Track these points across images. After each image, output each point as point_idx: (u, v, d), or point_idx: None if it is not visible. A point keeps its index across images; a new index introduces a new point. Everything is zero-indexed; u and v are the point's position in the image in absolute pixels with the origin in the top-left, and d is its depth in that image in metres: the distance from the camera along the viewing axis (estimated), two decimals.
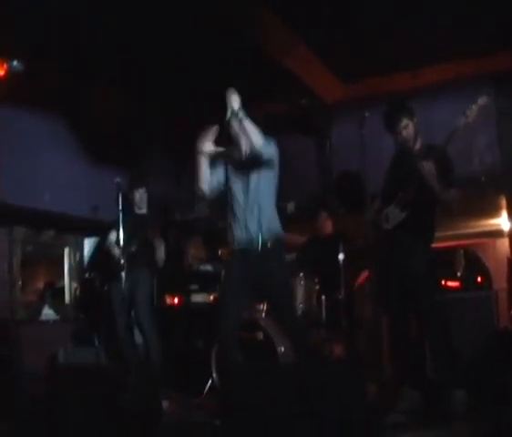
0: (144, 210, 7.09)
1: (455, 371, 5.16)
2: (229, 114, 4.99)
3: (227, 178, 5.21)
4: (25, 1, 5.93)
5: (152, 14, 6.39)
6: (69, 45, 6.74)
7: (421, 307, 5.29)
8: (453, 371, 5.16)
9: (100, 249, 7.69)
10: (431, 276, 5.31)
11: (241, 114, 4.95)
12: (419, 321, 5.51)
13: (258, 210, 5.06)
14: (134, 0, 6.19)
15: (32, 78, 5.59)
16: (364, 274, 7.78)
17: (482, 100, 5.15)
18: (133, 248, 6.70)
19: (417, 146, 5.42)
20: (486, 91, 5.39)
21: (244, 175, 5.13)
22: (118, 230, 6.46)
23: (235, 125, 5.03)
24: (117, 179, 6.53)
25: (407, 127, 5.37)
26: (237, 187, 5.15)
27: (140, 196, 7.07)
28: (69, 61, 7.03)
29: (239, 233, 5.10)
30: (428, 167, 5.12)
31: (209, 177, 5.11)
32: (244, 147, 5.08)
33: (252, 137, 4.93)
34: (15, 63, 4.35)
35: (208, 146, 5.06)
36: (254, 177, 5.10)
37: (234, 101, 5.00)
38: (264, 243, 5.01)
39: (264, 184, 5.11)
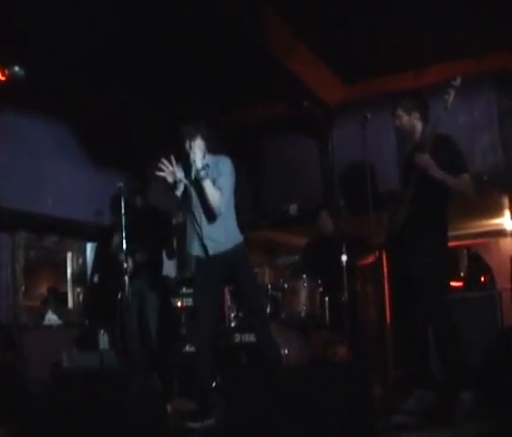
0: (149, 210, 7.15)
1: (463, 373, 5.13)
2: (193, 172, 5.24)
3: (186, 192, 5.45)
4: (27, 5, 5.93)
5: (154, 18, 6.40)
6: (72, 49, 6.73)
7: (425, 308, 5.26)
8: (461, 373, 5.13)
9: (104, 254, 7.69)
10: (435, 276, 5.26)
11: (203, 173, 5.19)
12: (425, 323, 5.48)
13: (216, 225, 5.35)
14: (135, 2, 6.18)
15: (35, 83, 5.58)
16: (369, 258, 7.72)
17: (457, 82, 5.13)
18: (142, 257, 6.75)
19: (417, 137, 5.40)
20: (488, 91, 5.39)
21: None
22: (122, 235, 6.47)
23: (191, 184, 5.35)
24: (120, 184, 6.54)
25: (400, 118, 5.39)
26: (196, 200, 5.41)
27: (142, 200, 7.11)
28: (73, 66, 7.02)
29: (200, 243, 5.40)
30: (423, 158, 5.09)
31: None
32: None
33: (212, 202, 5.23)
34: (16, 68, 4.34)
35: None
36: None
37: (198, 159, 5.22)
38: (226, 250, 5.36)
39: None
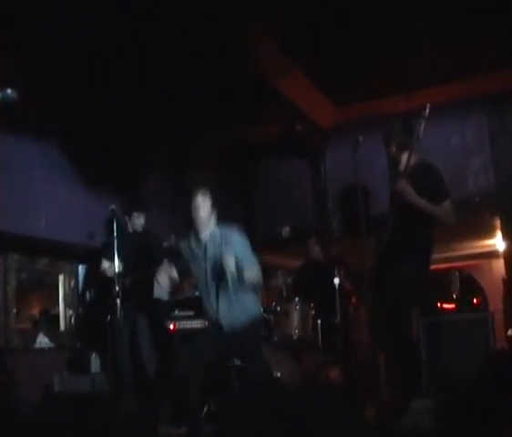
0: (140, 233, 7.14)
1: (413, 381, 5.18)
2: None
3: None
4: (18, 22, 5.95)
5: (149, 36, 6.41)
6: (65, 69, 6.74)
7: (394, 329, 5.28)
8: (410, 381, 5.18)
9: (95, 277, 7.66)
10: (407, 298, 5.29)
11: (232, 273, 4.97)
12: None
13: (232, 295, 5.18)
14: (131, 23, 6.20)
15: (27, 104, 5.57)
16: (356, 298, 7.78)
17: (426, 112, 5.20)
18: (135, 278, 6.74)
19: (402, 166, 5.43)
20: (479, 112, 5.42)
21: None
22: (112, 257, 6.45)
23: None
24: (112, 206, 6.53)
25: (390, 148, 5.45)
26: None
27: (137, 221, 7.12)
28: (66, 87, 7.03)
29: (212, 312, 5.26)
30: (400, 186, 5.13)
31: None
32: None
33: (255, 283, 5.19)
34: (8, 91, 4.33)
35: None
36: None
37: (231, 267, 4.93)
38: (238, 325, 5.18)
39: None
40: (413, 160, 5.27)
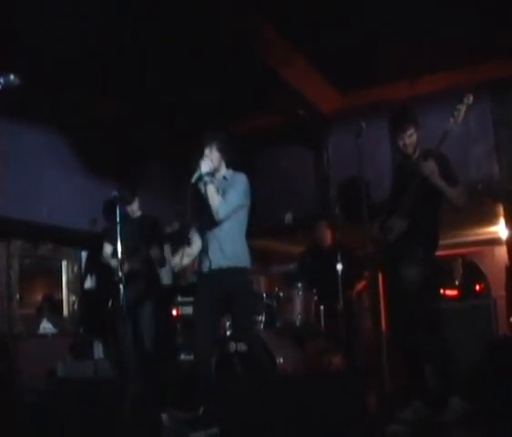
0: (138, 216, 7.17)
1: (450, 379, 5.15)
2: (196, 176, 5.25)
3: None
4: (22, 13, 5.94)
5: (150, 26, 6.40)
6: (67, 56, 6.73)
7: (417, 314, 5.26)
8: (448, 379, 5.15)
9: (97, 262, 7.67)
10: (428, 285, 5.29)
11: (207, 178, 5.24)
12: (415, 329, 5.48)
13: (222, 239, 5.34)
14: (132, 13, 6.19)
15: (29, 91, 5.57)
16: (362, 283, 7.78)
17: (468, 99, 5.18)
18: (134, 265, 6.74)
19: (416, 154, 5.45)
20: (482, 99, 5.41)
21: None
22: (115, 243, 6.44)
23: (201, 187, 5.33)
24: (115, 193, 6.51)
25: (412, 136, 5.43)
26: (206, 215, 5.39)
27: (134, 208, 7.15)
28: (67, 73, 7.03)
29: (205, 258, 5.42)
30: (429, 165, 5.13)
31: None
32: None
33: (212, 206, 5.26)
34: (11, 77, 4.32)
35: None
36: None
37: (204, 165, 5.26)
38: (225, 270, 5.32)
39: (234, 221, 5.39)
40: (435, 145, 5.27)
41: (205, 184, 5.24)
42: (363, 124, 5.58)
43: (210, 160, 5.31)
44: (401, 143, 5.45)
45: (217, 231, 5.36)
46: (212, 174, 5.32)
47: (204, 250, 5.45)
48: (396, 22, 6.76)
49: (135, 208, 7.19)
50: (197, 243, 5.61)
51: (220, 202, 5.26)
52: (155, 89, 7.76)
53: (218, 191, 5.31)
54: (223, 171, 5.47)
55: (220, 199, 5.27)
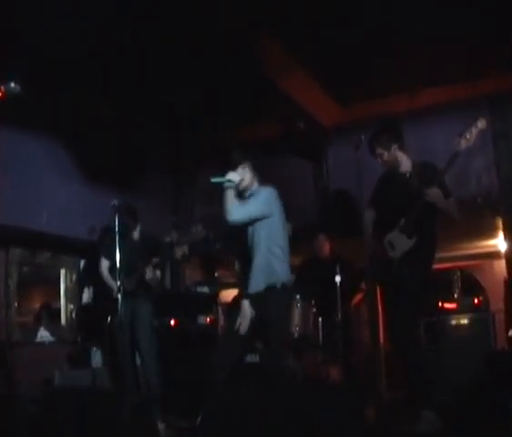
0: (136, 236, 7.14)
1: (421, 392, 5.17)
2: (217, 178, 5.16)
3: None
4: (22, 14, 5.95)
5: (151, 32, 6.41)
6: (67, 56, 6.73)
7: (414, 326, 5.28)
8: (423, 392, 5.17)
9: (93, 274, 7.64)
10: (428, 297, 5.33)
11: (229, 184, 5.13)
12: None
13: (260, 256, 5.16)
14: (132, 13, 6.19)
15: (29, 99, 5.57)
16: (360, 296, 7.78)
17: (481, 123, 5.17)
18: (131, 286, 6.71)
19: (405, 168, 5.45)
20: (482, 113, 5.42)
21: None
22: (112, 258, 6.40)
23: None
24: (114, 202, 6.46)
25: (382, 156, 5.48)
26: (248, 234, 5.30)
27: (135, 234, 7.12)
28: (67, 73, 7.02)
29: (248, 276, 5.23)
30: (435, 193, 5.14)
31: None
32: None
33: (226, 206, 5.12)
34: (12, 85, 4.33)
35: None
36: (252, 229, 5.26)
37: (233, 175, 5.17)
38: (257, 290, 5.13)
39: (261, 236, 5.20)
40: (412, 163, 5.34)
41: (225, 189, 5.13)
42: (363, 136, 5.59)
43: (242, 178, 5.21)
44: (379, 161, 5.52)
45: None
46: (240, 190, 5.24)
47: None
48: (396, 35, 6.78)
49: (136, 235, 7.14)
50: None
51: (235, 205, 5.15)
52: (153, 93, 7.75)
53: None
54: (254, 188, 5.35)
55: (236, 203, 5.17)
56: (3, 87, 4.20)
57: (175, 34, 6.40)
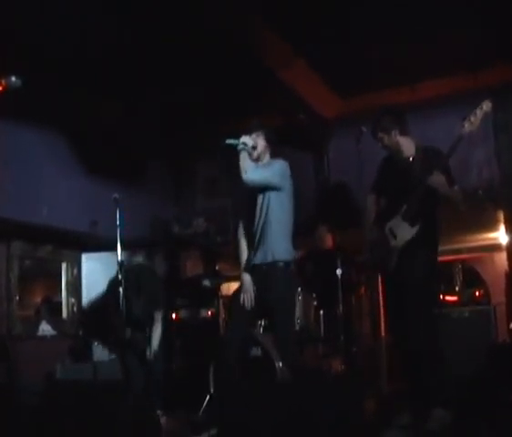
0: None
1: (441, 391, 5.11)
2: (231, 140, 5.17)
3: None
4: (22, 15, 5.95)
5: (151, 27, 6.41)
6: (68, 57, 6.74)
7: (418, 317, 5.21)
8: (438, 390, 5.11)
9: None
10: (429, 289, 5.29)
11: (242, 146, 5.13)
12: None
13: (265, 232, 5.16)
14: (132, 13, 6.20)
15: (30, 93, 5.57)
16: (362, 289, 7.78)
17: (486, 105, 5.11)
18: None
19: (407, 153, 5.42)
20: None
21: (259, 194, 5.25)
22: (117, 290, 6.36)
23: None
24: (115, 195, 6.44)
25: (382, 140, 5.44)
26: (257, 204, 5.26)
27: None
28: (67, 73, 7.03)
29: (251, 251, 5.26)
30: (438, 179, 5.09)
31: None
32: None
33: (242, 165, 5.10)
34: (13, 79, 4.32)
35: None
36: (263, 198, 5.22)
37: (246, 138, 5.18)
38: (268, 264, 5.11)
39: (273, 207, 5.19)
40: (446, 153, 5.22)
41: (239, 151, 5.13)
42: (364, 128, 5.59)
43: (255, 142, 5.22)
44: (380, 145, 5.50)
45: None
46: (253, 157, 5.22)
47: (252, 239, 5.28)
48: (397, 27, 6.78)
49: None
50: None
51: (252, 165, 5.15)
52: (153, 89, 7.75)
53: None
54: (266, 160, 5.35)
55: (253, 164, 5.16)
56: (3, 81, 4.20)
57: (173, 26, 6.38)
